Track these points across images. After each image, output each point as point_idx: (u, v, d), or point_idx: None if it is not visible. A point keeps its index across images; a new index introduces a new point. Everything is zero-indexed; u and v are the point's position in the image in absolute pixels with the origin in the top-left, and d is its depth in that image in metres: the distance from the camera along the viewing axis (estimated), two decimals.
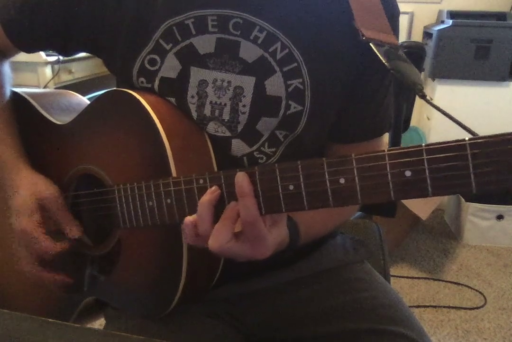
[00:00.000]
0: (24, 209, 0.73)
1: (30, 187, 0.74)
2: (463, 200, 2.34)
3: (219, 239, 0.55)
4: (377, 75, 0.73)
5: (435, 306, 1.92)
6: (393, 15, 0.72)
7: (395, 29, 0.71)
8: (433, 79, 2.58)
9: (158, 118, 0.64)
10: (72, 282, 0.76)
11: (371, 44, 0.64)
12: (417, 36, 2.84)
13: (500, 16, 2.56)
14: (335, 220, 0.80)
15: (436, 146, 0.42)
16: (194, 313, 0.75)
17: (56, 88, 2.25)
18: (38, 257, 0.74)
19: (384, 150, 0.45)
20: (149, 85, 0.70)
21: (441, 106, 0.57)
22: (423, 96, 0.61)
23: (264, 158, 0.71)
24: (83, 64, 2.46)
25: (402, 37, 2.76)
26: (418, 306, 1.90)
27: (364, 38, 0.64)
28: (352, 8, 0.66)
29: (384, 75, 0.74)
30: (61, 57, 2.23)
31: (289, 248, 0.64)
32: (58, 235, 0.74)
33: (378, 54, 0.63)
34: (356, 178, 0.47)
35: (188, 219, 0.57)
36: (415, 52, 1.33)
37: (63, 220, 0.74)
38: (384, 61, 0.63)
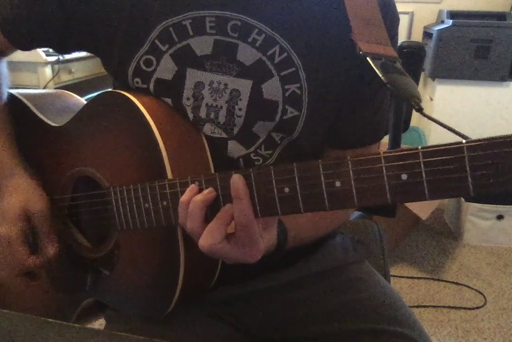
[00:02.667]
0: (9, 216, 0.73)
1: (20, 194, 0.74)
2: (463, 200, 2.34)
3: (210, 239, 0.55)
4: (374, 83, 0.72)
5: (435, 306, 1.92)
6: (392, 22, 0.71)
7: (393, 38, 0.70)
8: (433, 79, 2.58)
9: (153, 119, 0.63)
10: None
11: (368, 59, 0.63)
12: (417, 36, 2.84)
13: (500, 16, 2.56)
14: (327, 225, 0.80)
15: (432, 149, 0.42)
16: (194, 313, 0.75)
17: (56, 88, 2.25)
18: (13, 266, 0.74)
19: (380, 153, 0.45)
20: (145, 86, 0.69)
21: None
22: (420, 110, 0.60)
23: (261, 160, 0.71)
24: (83, 64, 2.46)
25: (402, 37, 2.76)
26: (418, 306, 1.90)
27: (360, 52, 0.63)
28: (349, 19, 0.65)
29: (381, 84, 0.74)
30: (61, 57, 2.23)
31: (275, 252, 0.63)
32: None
33: (374, 68, 0.62)
34: (352, 181, 0.46)
35: (183, 198, 0.57)
36: (415, 52, 1.33)
37: (43, 236, 0.75)
38: (380, 75, 0.62)
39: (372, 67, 0.62)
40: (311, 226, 0.74)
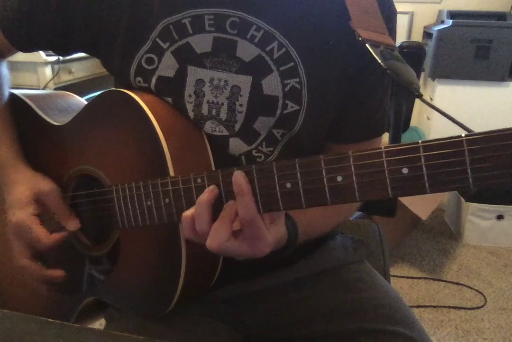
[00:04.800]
0: (20, 201, 0.73)
1: (27, 181, 0.74)
2: (463, 200, 2.34)
3: (217, 238, 0.55)
4: (374, 75, 0.73)
5: (435, 306, 1.92)
6: (389, 15, 0.72)
7: (391, 30, 0.71)
8: (433, 79, 2.58)
9: (155, 118, 0.64)
10: (66, 278, 0.75)
11: (367, 45, 0.64)
12: (417, 36, 2.84)
13: (500, 16, 2.57)
14: (334, 219, 0.80)
15: (433, 143, 0.43)
16: (194, 313, 0.75)
17: (56, 88, 2.25)
18: (33, 249, 0.74)
19: (381, 148, 0.45)
20: (146, 85, 0.70)
21: (441, 106, 0.57)
22: (419, 96, 0.61)
23: (263, 157, 0.72)
24: (83, 64, 2.46)
25: (402, 37, 2.77)
26: (418, 306, 1.90)
27: (360, 39, 0.64)
28: (348, 9, 0.66)
29: (382, 75, 0.74)
30: (61, 57, 2.23)
31: (287, 247, 0.64)
32: (55, 230, 0.73)
33: (374, 54, 0.63)
34: (354, 175, 0.47)
35: (187, 213, 0.57)
36: (415, 52, 1.33)
37: (60, 213, 0.74)
38: (380, 62, 0.63)
39: (371, 54, 0.63)
40: (319, 218, 0.75)
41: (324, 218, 0.76)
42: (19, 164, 0.77)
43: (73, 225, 0.74)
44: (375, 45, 0.64)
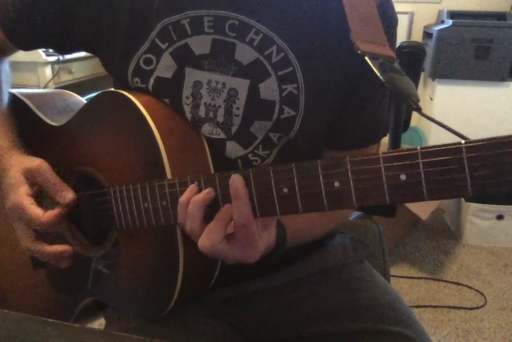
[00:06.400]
0: (12, 185, 0.71)
1: (18, 165, 0.72)
2: (463, 200, 2.34)
3: (210, 239, 0.55)
4: (372, 83, 0.72)
5: (435, 306, 1.92)
6: (390, 25, 0.71)
7: (391, 40, 0.70)
8: (433, 79, 2.58)
9: (152, 119, 0.63)
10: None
11: (366, 58, 0.63)
12: (417, 36, 2.84)
13: (500, 16, 2.57)
14: (325, 225, 0.80)
15: (431, 149, 0.42)
16: (194, 313, 0.75)
17: (56, 88, 2.25)
18: (35, 231, 0.72)
19: (379, 153, 0.45)
20: (144, 86, 0.69)
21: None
22: (418, 110, 0.60)
23: (259, 160, 0.71)
24: (83, 64, 2.46)
25: (402, 37, 2.77)
26: (418, 306, 1.90)
27: (359, 51, 0.63)
28: (348, 20, 0.65)
29: (379, 83, 0.73)
30: (61, 57, 2.23)
31: (274, 253, 0.64)
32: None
33: (373, 67, 0.62)
34: (351, 181, 0.46)
35: (182, 198, 0.57)
36: (415, 52, 1.33)
37: (53, 187, 0.71)
38: (379, 75, 0.62)
39: (370, 67, 0.62)
40: (310, 225, 0.74)
41: (313, 225, 0.76)
42: (13, 150, 0.75)
43: (66, 196, 0.70)
44: (374, 57, 0.64)
